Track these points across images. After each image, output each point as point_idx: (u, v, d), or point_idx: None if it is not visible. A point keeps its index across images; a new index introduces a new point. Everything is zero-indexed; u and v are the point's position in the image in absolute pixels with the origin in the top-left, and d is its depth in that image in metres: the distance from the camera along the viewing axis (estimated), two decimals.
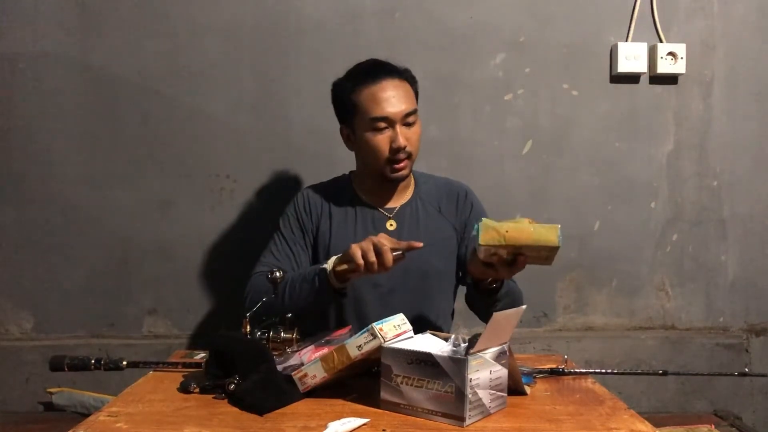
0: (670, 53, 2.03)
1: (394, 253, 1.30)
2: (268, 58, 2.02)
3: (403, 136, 1.51)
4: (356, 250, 1.31)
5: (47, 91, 2.00)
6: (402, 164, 1.53)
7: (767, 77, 2.10)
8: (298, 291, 1.43)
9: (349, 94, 1.55)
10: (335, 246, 1.59)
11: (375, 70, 1.55)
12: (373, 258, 1.30)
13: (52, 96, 2.00)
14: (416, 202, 1.64)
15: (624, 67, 2.03)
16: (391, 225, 1.60)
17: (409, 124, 1.53)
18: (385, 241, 1.32)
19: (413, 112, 1.53)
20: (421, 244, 1.32)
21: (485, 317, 1.54)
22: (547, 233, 1.22)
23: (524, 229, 1.21)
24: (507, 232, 1.21)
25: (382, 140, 1.52)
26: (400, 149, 1.51)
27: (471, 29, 2.05)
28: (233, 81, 2.02)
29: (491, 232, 1.21)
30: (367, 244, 1.31)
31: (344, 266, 1.35)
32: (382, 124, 1.51)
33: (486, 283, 1.41)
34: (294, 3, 2.01)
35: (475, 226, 1.23)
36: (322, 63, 2.00)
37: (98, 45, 2.00)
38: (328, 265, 1.39)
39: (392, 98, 1.51)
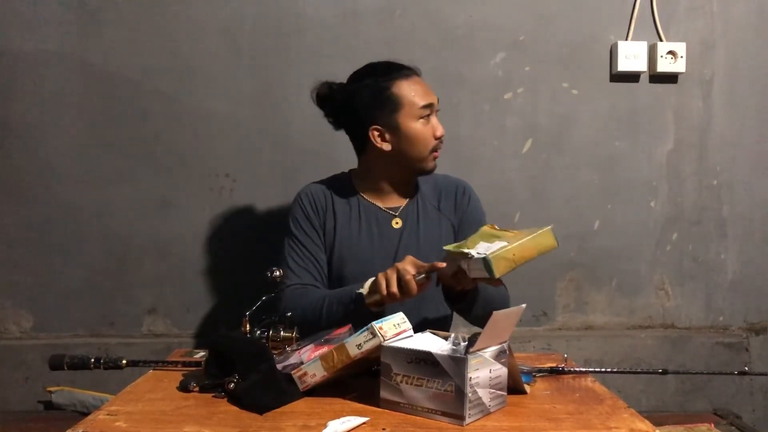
0: (670, 52, 2.03)
1: (418, 278, 1.31)
2: (268, 56, 2.02)
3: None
4: (381, 281, 1.32)
5: (46, 91, 2.00)
6: (438, 153, 1.60)
7: (767, 76, 2.10)
8: (335, 312, 1.43)
9: (388, 90, 1.54)
10: (340, 244, 1.60)
11: (398, 66, 1.59)
12: (394, 289, 1.30)
13: (51, 95, 2.00)
14: (418, 199, 1.65)
15: (624, 65, 2.03)
16: (397, 223, 1.61)
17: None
18: (409, 267, 1.32)
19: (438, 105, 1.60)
20: (443, 265, 1.31)
21: (473, 320, 1.53)
22: (545, 240, 1.25)
23: (526, 246, 1.23)
24: (514, 255, 1.21)
25: (427, 130, 1.57)
26: (442, 137, 1.58)
27: (471, 28, 2.05)
28: (233, 79, 2.02)
29: (502, 262, 1.21)
30: (392, 274, 1.32)
31: (375, 297, 1.35)
32: (428, 111, 1.56)
33: (457, 290, 1.40)
34: (294, 2, 2.01)
35: (481, 261, 1.21)
36: (322, 62, 2.00)
37: (97, 44, 2.00)
38: (363, 289, 1.38)
39: (427, 89, 1.58)
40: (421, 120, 1.55)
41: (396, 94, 1.54)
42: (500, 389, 1.09)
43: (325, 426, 1.00)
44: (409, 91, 1.55)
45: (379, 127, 1.57)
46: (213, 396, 1.16)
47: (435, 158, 1.59)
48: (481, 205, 1.69)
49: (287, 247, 1.61)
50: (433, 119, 1.57)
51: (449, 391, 1.02)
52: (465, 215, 1.65)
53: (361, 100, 1.56)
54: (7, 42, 1.98)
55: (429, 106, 1.55)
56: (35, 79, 1.99)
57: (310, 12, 2.02)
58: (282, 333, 1.28)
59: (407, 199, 1.65)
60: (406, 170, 1.61)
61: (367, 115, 1.57)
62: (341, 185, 1.67)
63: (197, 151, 2.02)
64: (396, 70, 1.57)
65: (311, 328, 1.36)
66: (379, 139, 1.57)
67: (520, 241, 1.23)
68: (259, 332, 1.27)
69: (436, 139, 1.57)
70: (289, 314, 1.33)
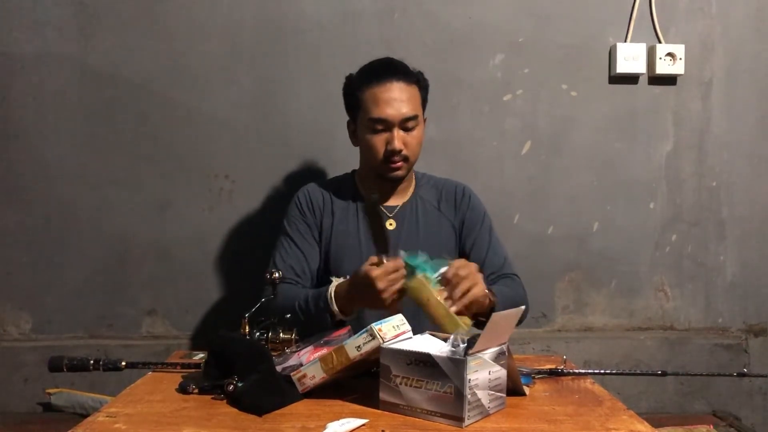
0: (669, 54, 2.03)
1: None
2: (267, 58, 2.02)
3: (400, 140, 1.53)
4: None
5: (46, 92, 2.00)
6: (397, 165, 1.55)
7: (766, 77, 2.10)
8: (311, 321, 1.41)
9: (356, 91, 1.57)
10: (336, 242, 1.60)
11: (383, 71, 1.56)
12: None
13: (50, 96, 2.00)
14: (416, 201, 1.65)
15: (623, 67, 2.03)
16: (391, 224, 1.61)
17: (407, 129, 1.54)
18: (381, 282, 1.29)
19: (413, 118, 1.54)
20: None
21: None
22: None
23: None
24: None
25: (378, 141, 1.54)
26: (394, 152, 1.52)
27: (470, 29, 2.05)
28: (232, 81, 2.02)
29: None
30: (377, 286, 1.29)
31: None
32: (380, 126, 1.53)
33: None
34: (293, 3, 2.01)
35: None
36: (321, 63, 2.00)
37: (97, 45, 2.00)
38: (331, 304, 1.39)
39: (394, 101, 1.52)
40: (370, 131, 1.54)
41: (359, 98, 1.56)
42: (499, 391, 1.09)
43: (324, 427, 1.00)
44: (370, 100, 1.53)
45: (351, 123, 1.63)
46: (212, 398, 1.16)
47: (393, 169, 1.55)
48: (483, 207, 1.69)
49: (278, 244, 1.63)
50: (392, 132, 1.52)
51: (448, 392, 1.02)
52: (466, 217, 1.65)
53: (344, 92, 1.63)
54: (7, 43, 1.98)
55: (381, 121, 1.52)
56: (35, 81, 1.99)
57: (310, 13, 2.02)
58: (281, 335, 1.27)
59: (405, 199, 1.65)
60: (373, 170, 1.60)
61: (346, 109, 1.63)
62: (342, 184, 1.68)
63: (196, 152, 2.02)
64: (375, 74, 1.56)
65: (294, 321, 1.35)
66: (352, 135, 1.64)
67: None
68: (258, 334, 1.27)
69: (388, 153, 1.53)
70: (288, 315, 1.33)
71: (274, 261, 1.59)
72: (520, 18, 2.05)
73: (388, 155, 1.53)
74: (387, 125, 1.52)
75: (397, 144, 1.52)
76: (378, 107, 1.52)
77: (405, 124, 1.53)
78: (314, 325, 1.38)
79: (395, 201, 1.64)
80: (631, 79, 2.08)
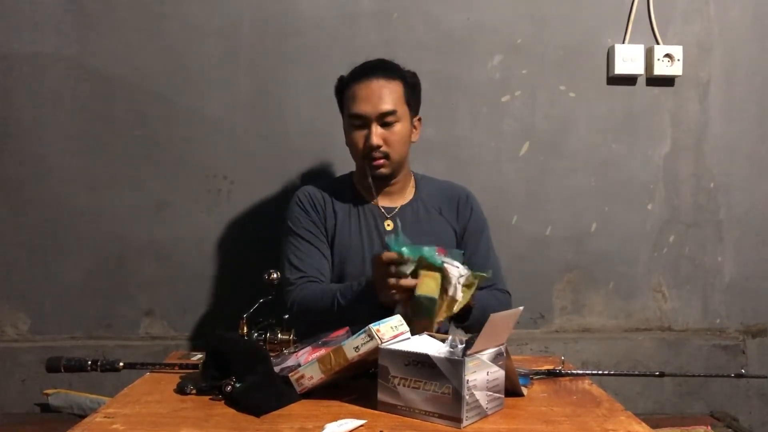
0: (667, 55, 2.04)
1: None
2: (266, 58, 2.02)
3: (378, 136, 1.53)
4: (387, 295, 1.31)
5: (44, 92, 1.99)
6: (378, 162, 1.55)
7: (763, 79, 2.11)
8: (350, 312, 1.42)
9: (343, 89, 1.60)
10: (339, 243, 1.60)
11: (368, 69, 1.58)
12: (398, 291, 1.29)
13: (48, 97, 1.99)
14: (417, 203, 1.65)
15: (621, 68, 2.04)
16: (389, 225, 1.61)
17: (386, 124, 1.54)
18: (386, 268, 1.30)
19: (391, 113, 1.54)
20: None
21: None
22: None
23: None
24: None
25: (358, 137, 1.55)
26: (372, 147, 1.53)
27: (468, 31, 2.05)
28: (230, 82, 2.02)
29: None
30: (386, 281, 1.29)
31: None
32: (358, 121, 1.55)
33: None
34: (291, 4, 2.01)
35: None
36: (320, 64, 2.00)
37: (95, 46, 1.99)
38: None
39: (372, 97, 1.53)
40: (350, 127, 1.57)
41: (345, 94, 1.59)
42: (497, 391, 1.09)
43: (322, 428, 1.00)
44: (351, 96, 1.56)
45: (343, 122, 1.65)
46: (210, 398, 1.16)
47: (375, 166, 1.55)
48: (484, 215, 1.70)
49: (288, 245, 1.60)
50: (370, 128, 1.53)
51: (446, 393, 1.02)
52: (468, 224, 1.65)
53: (335, 93, 1.65)
54: (5, 44, 1.98)
55: (358, 116, 1.54)
56: (32, 82, 1.99)
57: (308, 14, 2.02)
58: (279, 335, 1.28)
59: (405, 201, 1.65)
60: (359, 169, 1.62)
61: (339, 109, 1.65)
62: (340, 185, 1.68)
63: (195, 153, 2.02)
64: (359, 72, 1.58)
65: (320, 322, 1.35)
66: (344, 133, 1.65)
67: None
68: (256, 334, 1.27)
69: (369, 148, 1.53)
70: (286, 316, 1.33)
71: (290, 263, 1.56)
72: (518, 19, 2.06)
73: (368, 151, 1.54)
74: (365, 121, 1.54)
75: (375, 139, 1.52)
76: (355, 103, 1.54)
77: (383, 119, 1.53)
78: (353, 316, 1.37)
79: (395, 202, 1.64)
80: (629, 80, 2.08)
